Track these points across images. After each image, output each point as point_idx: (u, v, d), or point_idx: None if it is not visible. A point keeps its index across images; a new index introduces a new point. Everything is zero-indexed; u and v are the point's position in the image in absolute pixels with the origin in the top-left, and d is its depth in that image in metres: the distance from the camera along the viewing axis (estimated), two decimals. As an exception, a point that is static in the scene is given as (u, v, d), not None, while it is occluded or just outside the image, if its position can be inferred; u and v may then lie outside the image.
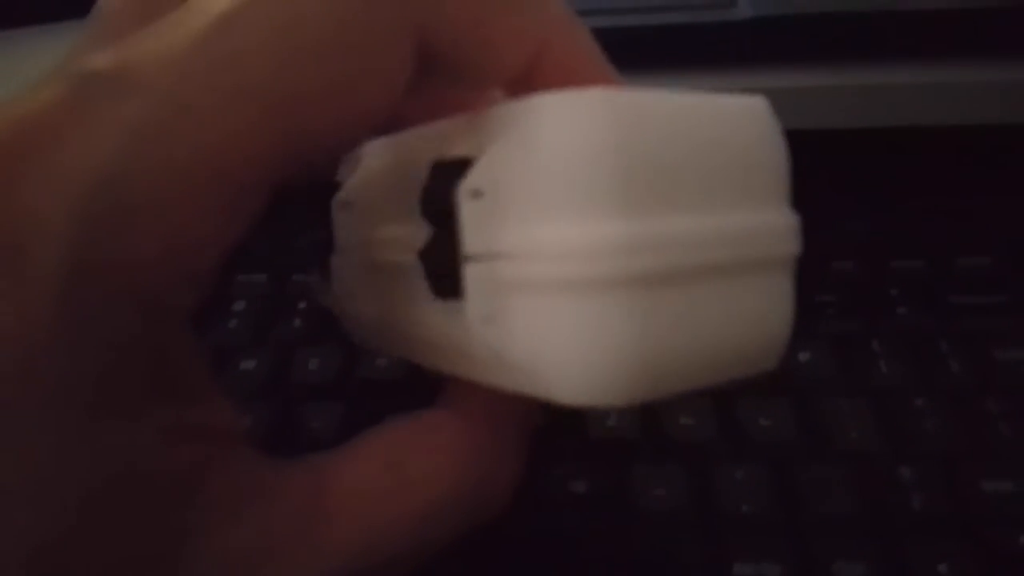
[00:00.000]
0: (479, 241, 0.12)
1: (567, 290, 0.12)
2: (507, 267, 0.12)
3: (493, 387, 0.14)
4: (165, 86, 0.12)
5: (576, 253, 0.11)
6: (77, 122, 0.12)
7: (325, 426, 0.22)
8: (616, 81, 0.15)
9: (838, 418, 0.21)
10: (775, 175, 0.14)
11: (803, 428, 0.21)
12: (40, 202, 0.11)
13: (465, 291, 0.13)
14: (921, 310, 0.24)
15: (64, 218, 0.11)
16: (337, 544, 0.13)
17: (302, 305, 0.26)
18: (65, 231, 0.11)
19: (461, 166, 0.13)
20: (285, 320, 0.25)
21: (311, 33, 0.12)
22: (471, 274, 0.13)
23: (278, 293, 0.26)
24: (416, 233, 0.14)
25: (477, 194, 0.12)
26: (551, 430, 0.20)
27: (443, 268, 0.13)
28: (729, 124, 0.13)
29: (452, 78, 0.14)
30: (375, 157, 0.17)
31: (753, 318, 0.13)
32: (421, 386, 0.17)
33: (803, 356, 0.23)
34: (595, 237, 0.11)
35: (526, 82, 0.14)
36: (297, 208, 0.18)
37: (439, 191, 0.13)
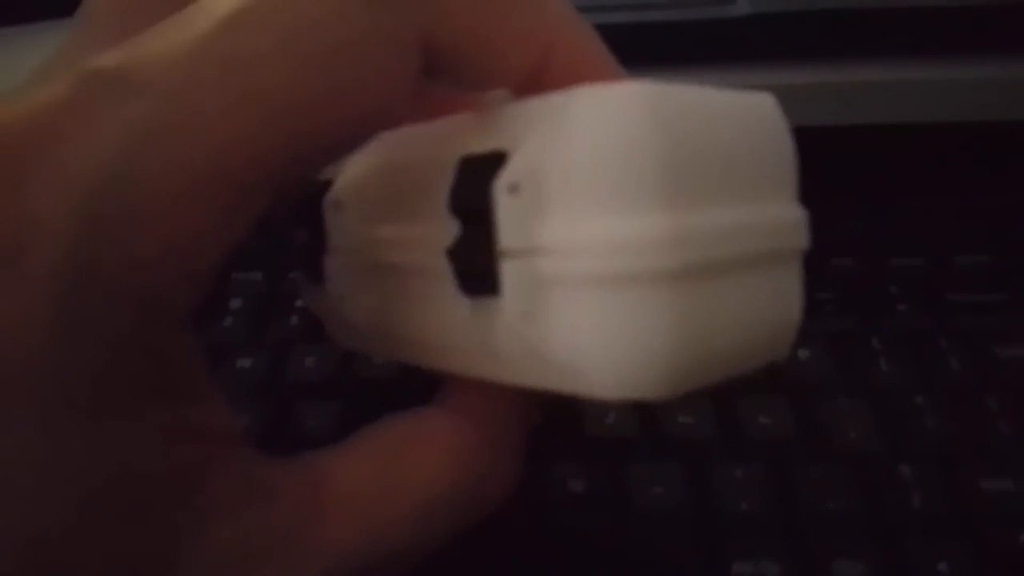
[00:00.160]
0: (517, 236, 0.12)
1: (611, 284, 0.11)
2: (547, 262, 0.12)
3: (520, 386, 0.14)
4: (170, 87, 0.12)
5: (621, 247, 0.11)
6: (80, 120, 0.11)
7: (321, 424, 0.21)
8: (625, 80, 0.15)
9: (837, 416, 0.21)
10: (787, 169, 0.14)
11: (802, 426, 0.21)
12: (41, 200, 0.11)
13: (502, 287, 0.13)
14: (921, 308, 0.24)
15: (65, 217, 0.11)
16: (335, 543, 0.13)
17: (298, 303, 0.26)
18: (66, 230, 0.11)
19: (495, 161, 0.12)
20: (281, 318, 0.25)
21: (318, 37, 0.12)
22: (508, 270, 0.12)
23: (274, 291, 0.26)
24: (432, 232, 0.14)
25: (514, 188, 0.12)
26: (549, 428, 0.20)
27: (477, 265, 0.13)
28: (747, 118, 0.13)
29: (455, 81, 0.14)
30: (366, 156, 0.17)
31: (773, 308, 0.14)
32: (417, 384, 0.17)
33: (802, 354, 0.23)
34: (640, 230, 0.11)
35: (534, 84, 0.14)
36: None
37: (472, 187, 0.13)
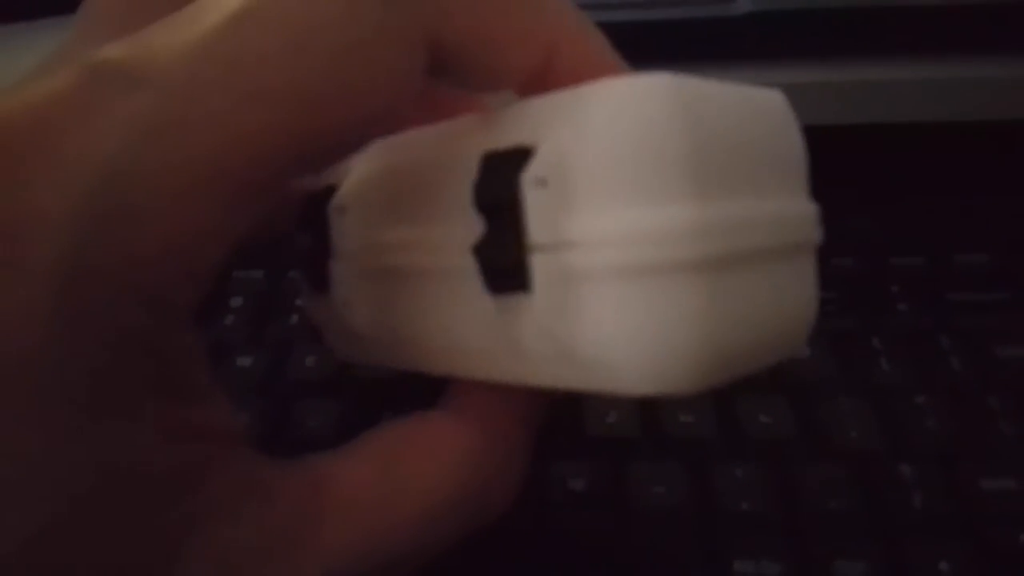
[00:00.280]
0: (546, 230, 0.12)
1: (640, 275, 0.11)
2: (576, 256, 0.12)
3: (539, 387, 0.14)
4: (174, 83, 0.12)
5: (650, 237, 0.11)
6: (84, 115, 0.11)
7: (321, 424, 0.21)
8: None
9: (838, 415, 0.21)
10: (799, 164, 0.14)
11: (803, 426, 0.21)
12: (42, 196, 0.11)
13: (533, 283, 0.12)
14: (921, 307, 0.24)
15: (66, 213, 0.11)
16: (335, 546, 0.13)
17: (299, 302, 0.25)
18: (67, 226, 0.11)
19: (520, 155, 0.12)
20: (282, 317, 0.25)
21: (328, 37, 0.12)
22: (539, 265, 0.12)
23: (275, 290, 0.26)
24: (449, 232, 0.13)
25: (542, 182, 0.12)
26: (549, 428, 0.20)
27: (506, 261, 0.13)
28: (760, 112, 0.13)
29: (460, 81, 0.14)
30: (370, 161, 0.16)
31: (791, 301, 0.14)
32: (418, 385, 0.17)
33: (803, 353, 0.22)
34: (669, 221, 0.11)
35: (539, 83, 0.14)
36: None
37: (498, 182, 0.13)
